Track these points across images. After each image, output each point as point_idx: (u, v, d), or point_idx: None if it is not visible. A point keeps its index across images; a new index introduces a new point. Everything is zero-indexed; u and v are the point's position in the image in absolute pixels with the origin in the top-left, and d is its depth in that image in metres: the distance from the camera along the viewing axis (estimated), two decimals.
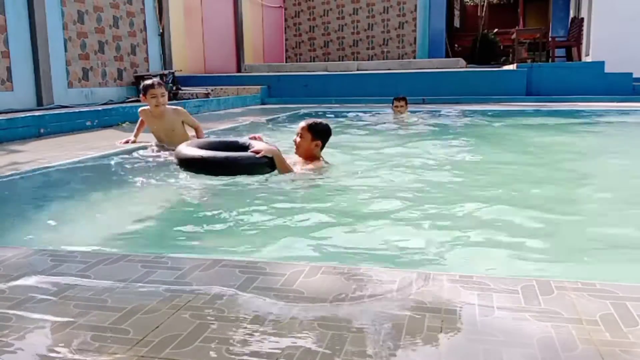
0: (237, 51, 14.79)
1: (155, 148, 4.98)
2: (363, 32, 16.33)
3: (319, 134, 3.92)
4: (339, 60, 16.00)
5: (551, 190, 3.65)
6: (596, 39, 12.93)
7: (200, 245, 2.65)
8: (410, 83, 10.81)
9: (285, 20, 17.01)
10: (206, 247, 2.62)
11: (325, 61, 15.88)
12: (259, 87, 11.66)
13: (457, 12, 18.51)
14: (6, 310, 1.58)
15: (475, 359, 1.28)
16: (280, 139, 5.22)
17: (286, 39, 17.11)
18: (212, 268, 1.88)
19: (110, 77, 9.67)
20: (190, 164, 3.78)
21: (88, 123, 7.11)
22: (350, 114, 8.85)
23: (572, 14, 16.02)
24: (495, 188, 3.76)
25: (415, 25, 15.91)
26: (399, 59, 15.70)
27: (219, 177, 3.69)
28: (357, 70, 13.09)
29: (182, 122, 5.09)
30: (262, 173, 3.69)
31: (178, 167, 3.89)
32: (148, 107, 5.07)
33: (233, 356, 1.30)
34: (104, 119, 7.40)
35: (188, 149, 3.84)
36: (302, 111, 8.99)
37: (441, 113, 8.73)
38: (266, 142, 4.05)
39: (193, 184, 3.74)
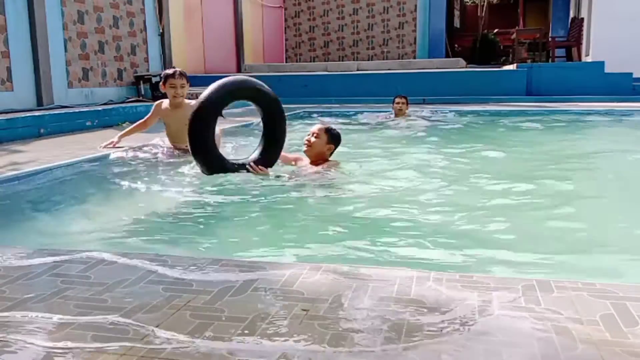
0: (237, 51, 14.79)
1: (164, 149, 4.83)
2: (363, 32, 16.31)
3: (335, 138, 4.00)
4: (339, 61, 15.98)
5: (551, 190, 3.65)
6: (596, 39, 12.92)
7: (200, 245, 2.65)
8: (410, 83, 10.79)
9: (285, 20, 17.00)
10: (206, 247, 2.62)
11: (325, 61, 15.85)
12: None
13: (457, 12, 18.50)
14: (6, 310, 1.58)
15: (475, 359, 1.28)
16: None
17: (286, 39, 17.10)
18: (212, 268, 1.88)
19: (110, 77, 9.66)
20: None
21: (88, 123, 7.12)
22: (350, 114, 8.85)
23: (572, 14, 16.00)
24: (495, 188, 3.76)
25: (415, 26, 15.90)
26: (399, 59, 15.68)
27: (219, 176, 3.69)
28: (357, 70, 13.08)
29: None
30: None
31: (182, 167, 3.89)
32: (166, 101, 4.89)
33: (233, 356, 1.31)
34: (104, 119, 7.41)
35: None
36: (302, 111, 8.98)
37: (441, 113, 8.73)
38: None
39: (193, 184, 3.74)
